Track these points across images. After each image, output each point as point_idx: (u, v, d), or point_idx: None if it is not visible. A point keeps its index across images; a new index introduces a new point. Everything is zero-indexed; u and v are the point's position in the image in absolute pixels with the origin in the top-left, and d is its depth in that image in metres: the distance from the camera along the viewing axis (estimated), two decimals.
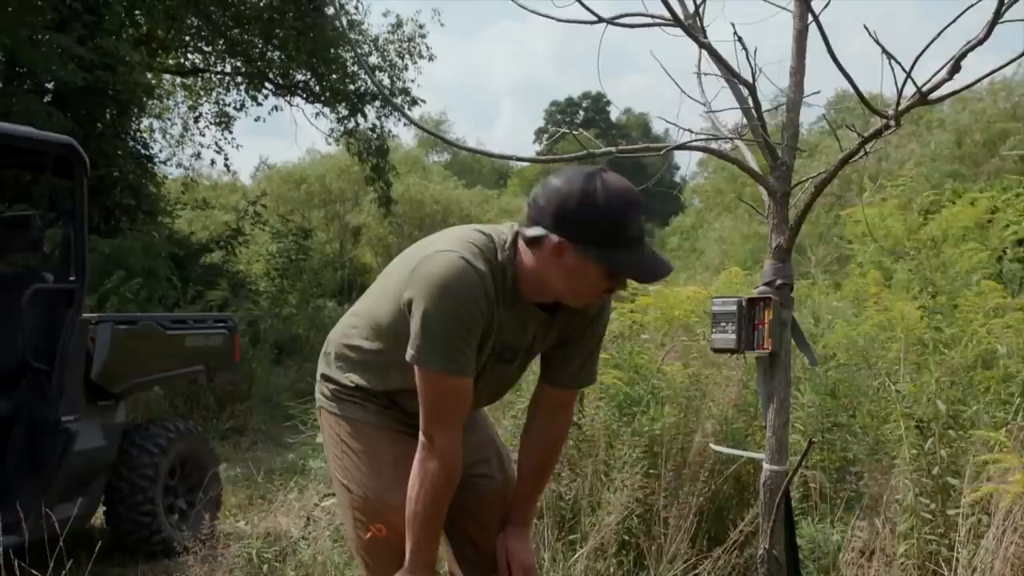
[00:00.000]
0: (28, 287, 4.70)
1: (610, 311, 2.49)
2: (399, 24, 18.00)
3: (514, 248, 2.20)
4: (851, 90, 2.19)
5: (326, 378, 2.50)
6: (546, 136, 63.79)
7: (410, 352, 2.15)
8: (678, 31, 2.71)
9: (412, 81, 17.73)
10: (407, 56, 17.99)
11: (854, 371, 4.49)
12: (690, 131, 2.75)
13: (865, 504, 3.92)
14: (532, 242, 2.14)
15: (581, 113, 64.93)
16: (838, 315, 5.85)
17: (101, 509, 5.25)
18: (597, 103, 65.71)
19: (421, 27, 18.16)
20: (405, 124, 18.54)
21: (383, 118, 17.14)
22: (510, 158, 2.65)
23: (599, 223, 2.07)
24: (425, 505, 2.21)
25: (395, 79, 17.45)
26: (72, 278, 4.87)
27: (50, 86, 11.48)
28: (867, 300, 5.60)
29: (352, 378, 2.42)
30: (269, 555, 4.35)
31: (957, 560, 3.37)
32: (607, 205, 2.07)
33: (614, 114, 65.07)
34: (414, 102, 17.41)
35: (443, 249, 2.17)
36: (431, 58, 18.19)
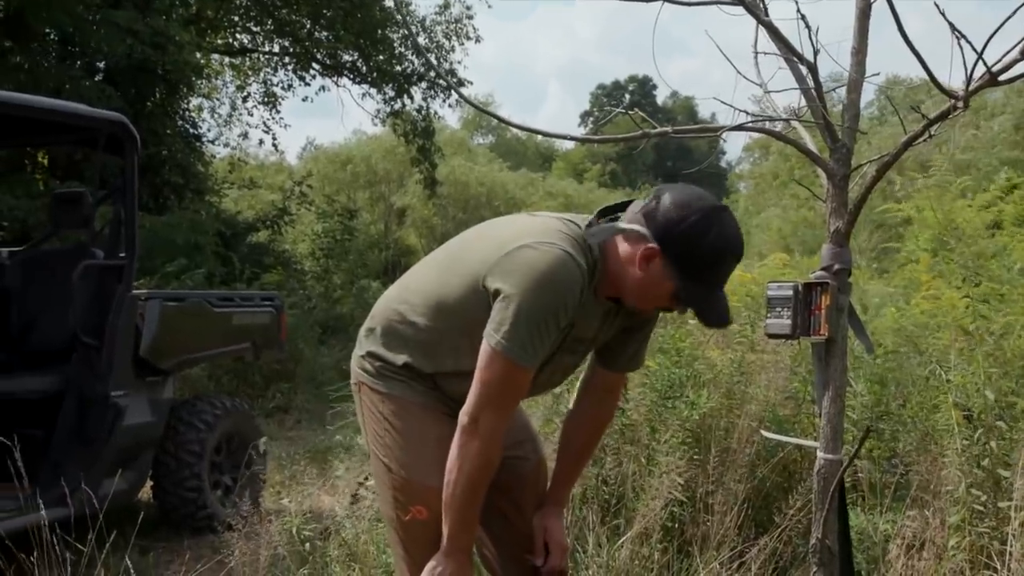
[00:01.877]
0: (79, 263, 4.74)
1: None
2: (446, 5, 17.99)
3: (603, 244, 2.22)
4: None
5: (372, 355, 2.43)
6: (591, 119, 63.64)
7: (492, 335, 2.11)
8: (735, 10, 2.66)
9: (459, 63, 17.75)
10: (454, 37, 17.99)
11: (904, 359, 4.41)
12: (746, 112, 2.68)
13: (914, 495, 3.85)
14: (630, 236, 2.18)
15: (627, 96, 64.64)
16: (887, 302, 5.76)
17: (148, 484, 5.31)
18: (643, 87, 65.37)
19: (468, 8, 18.16)
20: (451, 105, 18.46)
21: (429, 99, 17.16)
22: (564, 137, 2.61)
23: (699, 256, 2.13)
24: (464, 489, 2.19)
25: (442, 60, 17.45)
26: (122, 254, 4.91)
27: (101, 65, 11.59)
28: (918, 288, 5.51)
29: (401, 357, 2.38)
30: (311, 532, 4.37)
31: (1010, 554, 3.30)
32: (714, 244, 2.13)
33: (660, 98, 64.66)
34: (460, 83, 17.37)
35: (546, 242, 2.15)
36: (478, 39, 18.19)
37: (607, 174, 47.11)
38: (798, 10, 2.20)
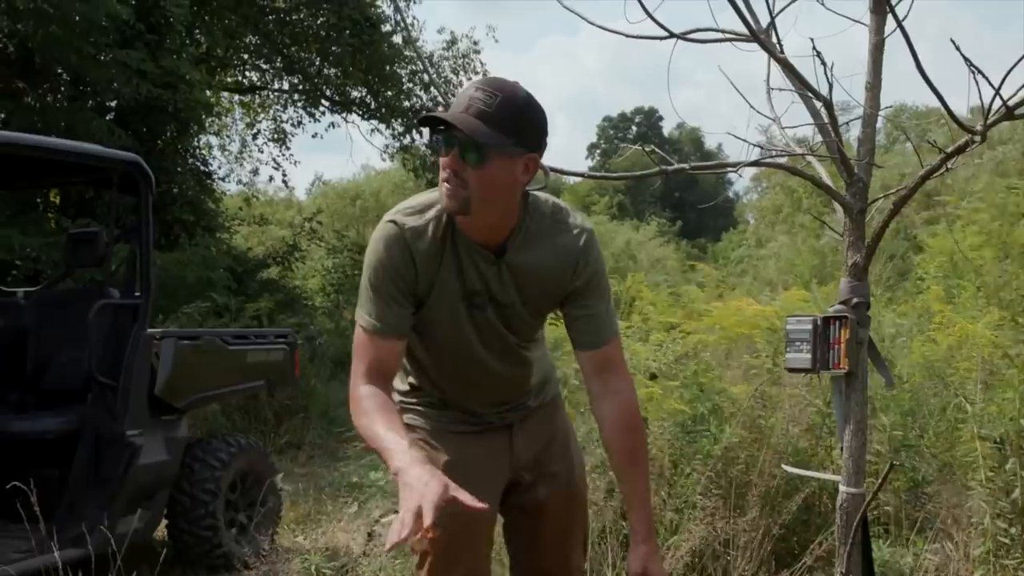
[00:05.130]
0: (94, 303, 4.76)
1: (593, 264, 2.36)
2: (453, 41, 18.10)
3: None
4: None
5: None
6: (598, 152, 63.82)
7: None
8: (749, 46, 2.68)
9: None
10: (461, 72, 18.08)
11: (926, 391, 4.39)
12: (760, 147, 2.69)
13: (936, 527, 3.83)
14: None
15: (634, 128, 64.91)
16: (901, 332, 5.74)
17: (163, 523, 5.30)
18: (650, 118, 65.66)
19: (475, 43, 18.27)
20: None
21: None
22: (582, 175, 2.62)
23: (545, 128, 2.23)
24: (361, 428, 2.18)
25: (449, 95, 17.52)
26: (137, 293, 4.93)
27: (112, 104, 11.68)
28: (931, 316, 5.49)
29: (408, 380, 2.52)
30: (329, 570, 4.35)
31: None
32: (541, 110, 2.22)
33: (667, 129, 64.87)
34: None
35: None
36: (485, 74, 18.26)
37: (615, 206, 47.15)
38: (814, 47, 2.21)
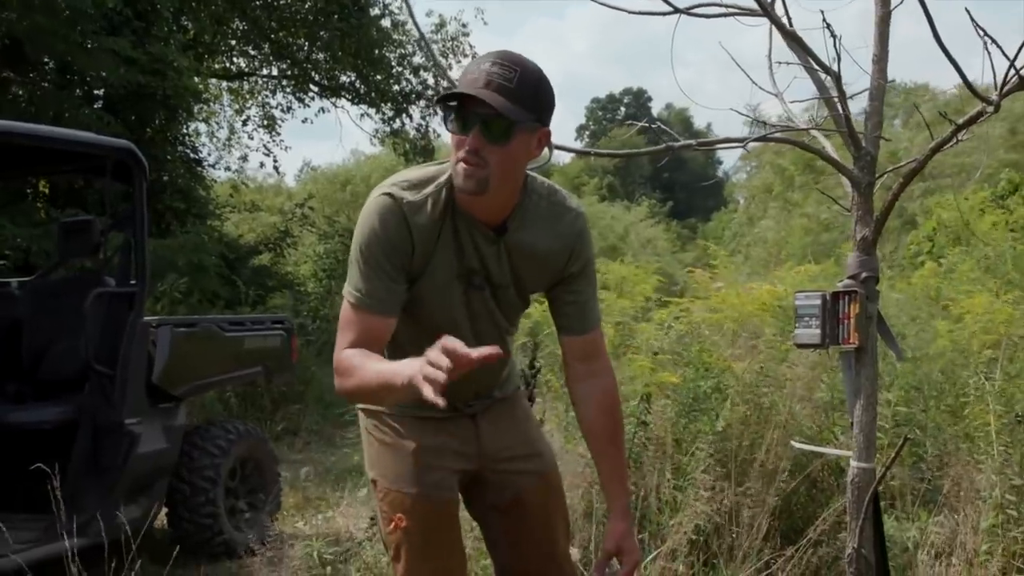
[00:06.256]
0: (90, 292, 4.72)
1: (588, 249, 2.35)
2: (442, 24, 18.00)
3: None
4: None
5: None
6: (587, 133, 63.72)
7: None
8: (751, 20, 2.66)
9: (457, 81, 17.58)
10: (451, 55, 18.00)
11: (931, 366, 4.39)
12: (764, 123, 2.67)
13: (942, 500, 3.83)
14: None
15: (623, 109, 64.84)
16: (901, 308, 5.74)
17: (163, 511, 5.28)
18: (638, 99, 65.64)
19: (464, 26, 18.18)
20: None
21: (428, 118, 17.17)
22: (587, 152, 2.60)
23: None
24: (353, 392, 2.14)
25: (439, 78, 17.45)
26: (133, 282, 4.89)
27: (100, 92, 11.60)
28: (933, 294, 5.50)
29: None
30: (331, 555, 4.34)
31: None
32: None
33: (655, 109, 64.76)
34: None
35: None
36: (474, 56, 18.16)
37: (604, 187, 47.10)
38: (824, 20, 2.18)
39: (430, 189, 2.18)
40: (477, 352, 1.73)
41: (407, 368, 1.84)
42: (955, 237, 6.61)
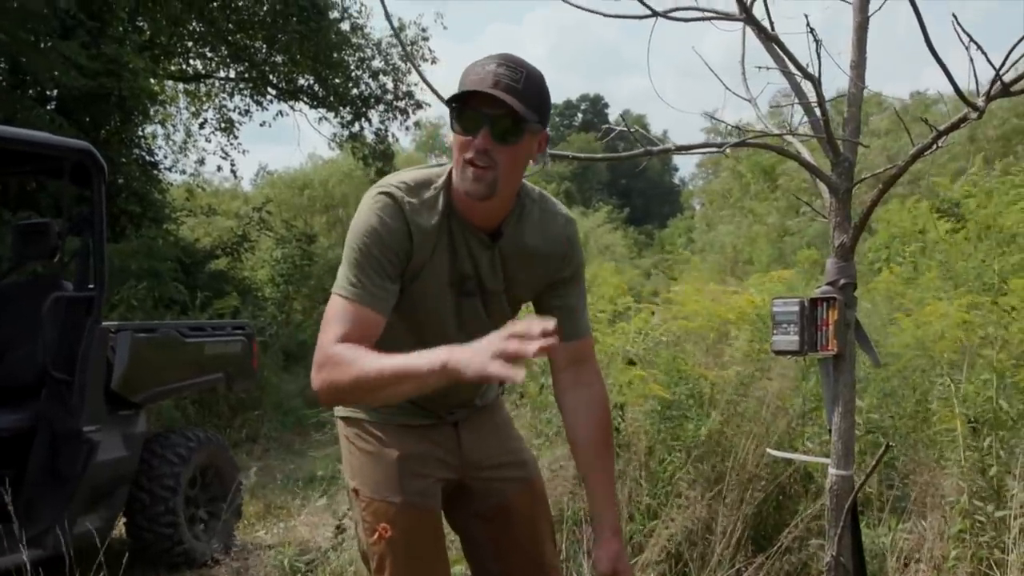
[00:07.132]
0: (47, 296, 4.62)
1: (579, 255, 2.34)
2: (402, 28, 17.89)
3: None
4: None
5: None
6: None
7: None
8: (727, 25, 2.64)
9: (415, 85, 17.50)
10: (408, 61, 17.89)
11: (903, 373, 4.40)
12: (740, 128, 2.66)
13: (911, 507, 3.85)
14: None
15: (579, 115, 65.00)
16: (868, 317, 5.77)
17: (121, 521, 5.17)
18: (595, 105, 65.83)
19: (424, 31, 18.07)
20: (407, 128, 18.27)
21: (387, 122, 17.07)
22: (565, 156, 2.57)
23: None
24: (348, 387, 2.01)
25: (398, 83, 17.36)
26: (91, 286, 4.79)
27: (53, 93, 11.39)
28: (894, 299, 5.54)
29: None
30: (300, 564, 4.28)
31: (1009, 564, 3.29)
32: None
33: (611, 115, 65.00)
34: (418, 106, 17.31)
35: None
36: (433, 61, 18.08)
37: (561, 192, 47.20)
38: (808, 25, 2.18)
39: (429, 192, 2.15)
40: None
41: (436, 354, 1.79)
42: (910, 244, 6.70)
